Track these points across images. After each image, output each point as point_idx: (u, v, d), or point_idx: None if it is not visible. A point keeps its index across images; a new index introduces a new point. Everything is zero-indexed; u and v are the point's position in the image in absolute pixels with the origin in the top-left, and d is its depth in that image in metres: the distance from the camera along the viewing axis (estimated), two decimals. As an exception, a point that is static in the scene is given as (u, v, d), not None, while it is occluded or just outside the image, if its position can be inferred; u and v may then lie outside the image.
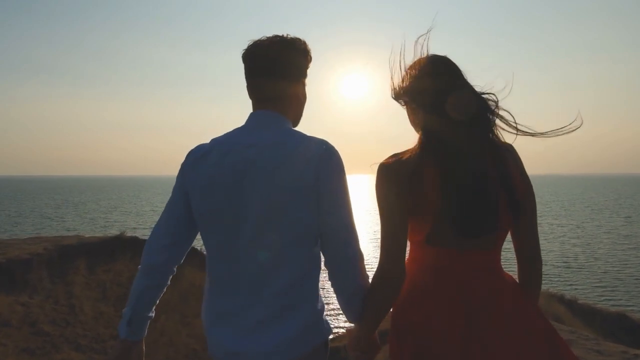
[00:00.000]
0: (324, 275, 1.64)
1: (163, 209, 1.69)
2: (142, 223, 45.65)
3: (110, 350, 5.70)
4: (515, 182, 1.57)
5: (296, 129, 1.68)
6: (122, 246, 8.42)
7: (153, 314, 1.69)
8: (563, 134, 1.60)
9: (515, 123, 1.61)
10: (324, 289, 1.66)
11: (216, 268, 1.59)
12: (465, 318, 1.52)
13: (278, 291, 1.51)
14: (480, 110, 1.59)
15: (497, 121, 1.61)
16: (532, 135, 1.61)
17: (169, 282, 1.67)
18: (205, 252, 1.66)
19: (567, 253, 29.56)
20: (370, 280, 1.62)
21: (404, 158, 1.58)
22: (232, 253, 1.54)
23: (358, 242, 1.56)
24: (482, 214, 1.52)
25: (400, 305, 1.63)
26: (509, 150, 1.62)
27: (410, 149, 1.61)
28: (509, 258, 1.71)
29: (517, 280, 1.68)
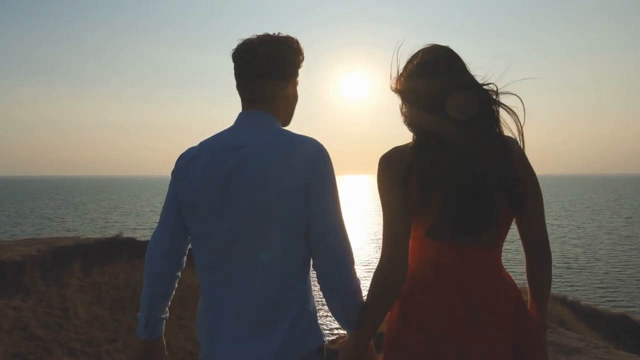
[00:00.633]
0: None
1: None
2: (142, 224, 45.66)
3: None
4: (517, 179, 1.54)
5: (289, 128, 1.65)
6: (119, 248, 8.31)
7: (167, 314, 1.74)
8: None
9: (517, 118, 1.58)
10: (316, 287, 1.62)
11: (207, 275, 1.57)
12: (466, 316, 1.51)
13: (268, 295, 1.49)
14: (482, 105, 1.56)
15: (502, 112, 1.59)
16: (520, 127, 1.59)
17: (176, 286, 1.70)
18: None
19: (568, 254, 29.53)
20: (360, 284, 1.56)
21: (402, 152, 1.58)
22: (223, 257, 1.51)
23: (348, 244, 1.52)
24: (480, 212, 1.50)
25: (399, 301, 1.59)
26: (513, 143, 1.59)
27: (409, 143, 1.60)
28: (509, 259, 1.65)
29: (526, 277, 1.65)
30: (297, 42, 1.63)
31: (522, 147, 1.60)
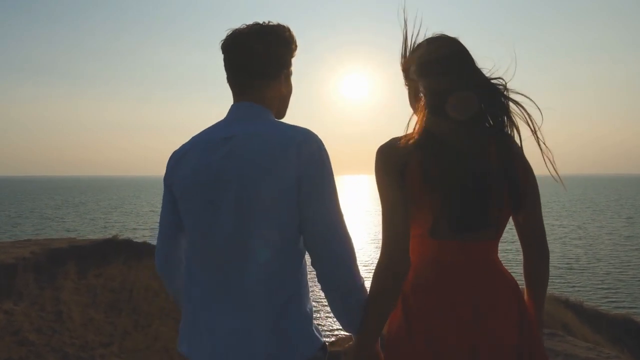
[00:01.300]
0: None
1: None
2: (142, 224, 45.70)
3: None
4: (519, 176, 1.53)
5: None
6: (115, 249, 8.21)
7: None
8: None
9: (528, 115, 1.57)
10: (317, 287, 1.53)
11: (197, 273, 1.50)
12: (472, 312, 1.48)
13: (261, 293, 1.42)
14: (489, 102, 1.55)
15: (512, 106, 1.57)
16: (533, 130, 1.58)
17: None
18: None
19: (569, 254, 29.49)
20: (364, 282, 1.50)
21: (400, 145, 1.53)
22: (217, 253, 1.45)
23: (349, 239, 1.44)
24: (481, 211, 1.49)
25: (401, 302, 1.55)
26: (512, 140, 1.57)
27: (408, 135, 1.55)
28: (510, 259, 1.63)
29: (524, 274, 1.67)
30: (288, 30, 1.56)
31: (538, 144, 1.57)
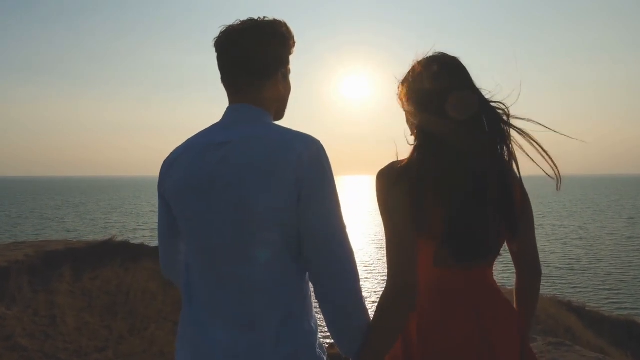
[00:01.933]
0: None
1: None
2: (142, 224, 45.74)
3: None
4: (517, 205, 1.54)
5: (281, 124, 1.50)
6: (111, 251, 8.09)
7: None
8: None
9: (535, 142, 1.56)
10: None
11: (195, 282, 1.43)
12: (479, 340, 1.46)
13: (258, 311, 1.33)
14: (490, 122, 1.52)
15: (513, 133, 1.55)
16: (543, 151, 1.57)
17: None
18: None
19: (570, 254, 29.44)
20: (366, 302, 1.40)
21: (402, 165, 1.50)
22: (211, 261, 1.37)
23: (352, 255, 1.34)
24: (484, 239, 1.49)
25: (406, 337, 1.51)
26: (509, 168, 1.57)
27: (407, 158, 1.53)
28: (511, 268, 1.69)
29: (515, 292, 1.68)
30: (284, 25, 1.47)
31: (553, 171, 1.56)
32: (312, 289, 1.43)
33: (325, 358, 1.40)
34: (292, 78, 1.57)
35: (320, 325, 1.46)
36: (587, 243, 34.34)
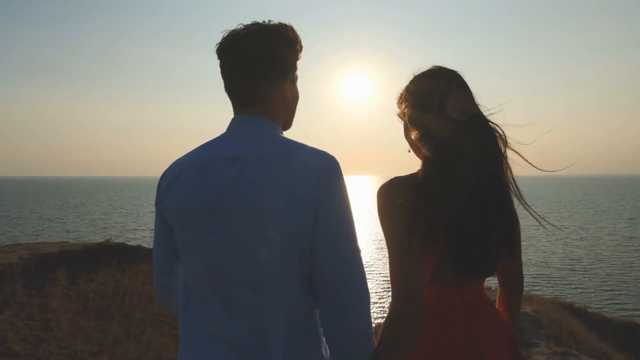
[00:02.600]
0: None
1: None
2: (142, 224, 45.79)
3: None
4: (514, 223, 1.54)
5: (289, 133, 1.43)
6: (108, 254, 7.99)
7: None
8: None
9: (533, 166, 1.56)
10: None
11: (196, 316, 1.31)
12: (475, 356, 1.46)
13: (267, 339, 1.24)
14: (488, 144, 1.50)
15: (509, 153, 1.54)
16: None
17: None
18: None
19: (571, 255, 29.43)
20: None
21: (407, 180, 1.48)
22: (216, 290, 1.27)
23: (365, 278, 1.26)
24: (486, 257, 1.49)
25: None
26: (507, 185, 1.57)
27: (411, 173, 1.51)
28: None
29: (499, 303, 1.69)
30: (291, 29, 1.37)
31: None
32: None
33: None
34: None
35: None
36: (588, 244, 34.31)
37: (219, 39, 1.37)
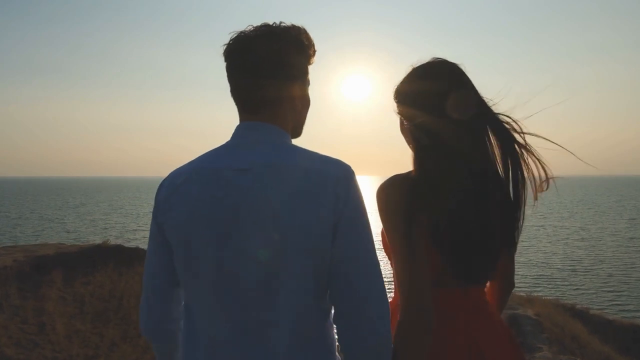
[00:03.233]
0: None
1: None
2: (142, 225, 45.75)
3: None
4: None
5: (298, 141, 1.37)
6: (104, 256, 7.91)
7: None
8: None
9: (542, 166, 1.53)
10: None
11: (199, 331, 1.24)
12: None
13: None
14: (502, 141, 1.48)
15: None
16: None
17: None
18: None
19: (572, 255, 29.34)
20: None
21: (407, 179, 1.46)
22: (223, 309, 1.19)
23: (384, 288, 1.21)
24: (489, 261, 1.49)
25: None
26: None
27: (410, 171, 1.49)
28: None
29: (489, 298, 1.66)
30: (304, 31, 1.30)
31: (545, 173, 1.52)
32: None
33: None
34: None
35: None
36: (589, 244, 34.23)
37: (219, 39, 1.29)
